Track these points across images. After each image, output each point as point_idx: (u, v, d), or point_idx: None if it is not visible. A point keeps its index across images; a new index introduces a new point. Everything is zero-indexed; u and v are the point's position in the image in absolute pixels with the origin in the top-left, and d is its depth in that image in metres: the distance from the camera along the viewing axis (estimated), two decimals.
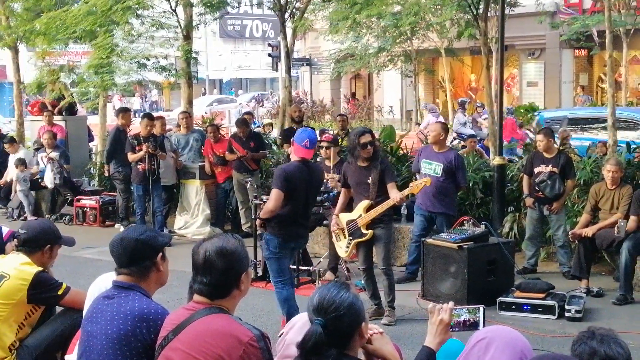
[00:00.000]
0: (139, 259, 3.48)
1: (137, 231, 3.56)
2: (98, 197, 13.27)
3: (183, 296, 3.47)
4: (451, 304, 3.40)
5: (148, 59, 14.50)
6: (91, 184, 14.37)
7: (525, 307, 7.79)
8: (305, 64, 32.81)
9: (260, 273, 9.26)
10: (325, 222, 9.39)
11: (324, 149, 9.24)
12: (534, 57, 30.04)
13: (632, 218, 8.25)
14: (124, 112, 13.27)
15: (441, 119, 22.16)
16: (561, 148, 10.28)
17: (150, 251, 3.50)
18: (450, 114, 25.88)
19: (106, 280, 3.75)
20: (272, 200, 6.73)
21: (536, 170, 9.41)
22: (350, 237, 7.65)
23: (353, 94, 35.95)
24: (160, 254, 3.52)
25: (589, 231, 8.51)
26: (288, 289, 7.00)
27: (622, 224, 8.18)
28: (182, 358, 3.06)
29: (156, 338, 3.26)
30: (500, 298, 7.87)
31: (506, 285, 8.21)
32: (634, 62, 28.89)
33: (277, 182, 6.73)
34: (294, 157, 6.96)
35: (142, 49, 14.47)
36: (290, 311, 6.78)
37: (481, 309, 3.34)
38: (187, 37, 14.42)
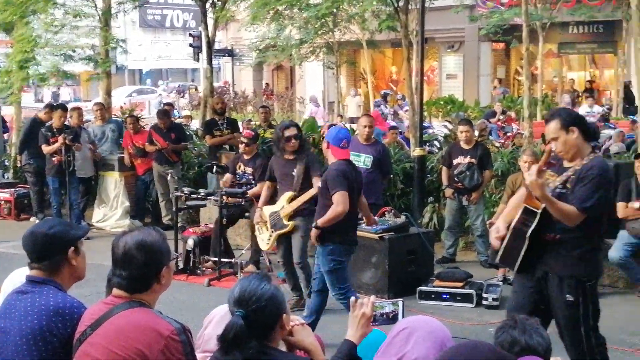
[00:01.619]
0: (50, 254, 3.39)
1: (47, 225, 3.47)
2: (13, 189, 12.93)
3: (102, 290, 3.40)
4: (373, 297, 3.42)
5: (74, 51, 14.20)
6: (6, 177, 13.99)
7: (444, 296, 7.94)
8: (227, 55, 32.57)
9: (181, 266, 9.18)
10: (247, 214, 9.36)
11: (243, 145, 9.21)
12: (453, 50, 30.54)
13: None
14: (54, 109, 12.65)
15: (322, 109, 22.25)
16: (479, 139, 10.48)
17: (61, 245, 3.41)
18: (372, 106, 26.05)
19: (20, 275, 3.65)
20: (341, 203, 6.27)
21: (455, 161, 9.58)
22: (272, 229, 7.64)
23: (267, 85, 35.88)
24: (73, 247, 3.43)
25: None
26: (355, 294, 6.58)
27: None
28: (101, 353, 3.01)
29: (73, 332, 3.19)
30: (420, 287, 8.00)
31: (426, 274, 8.35)
32: (549, 55, 29.66)
33: (338, 183, 6.30)
34: (331, 159, 6.54)
35: (66, 39, 14.17)
36: None
37: (400, 302, 3.38)
38: (106, 25, 14.14)
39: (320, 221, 6.44)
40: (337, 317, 7.42)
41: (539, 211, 4.76)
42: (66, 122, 11.64)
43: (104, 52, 14.27)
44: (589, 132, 4.96)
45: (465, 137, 9.53)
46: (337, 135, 6.55)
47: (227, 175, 9.34)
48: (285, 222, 7.50)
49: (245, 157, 9.25)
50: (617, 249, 8.08)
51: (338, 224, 6.36)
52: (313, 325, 6.44)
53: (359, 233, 8.21)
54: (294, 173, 7.48)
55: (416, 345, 2.85)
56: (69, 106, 13.09)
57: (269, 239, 7.71)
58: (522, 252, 4.87)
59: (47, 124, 11.69)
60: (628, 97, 23.50)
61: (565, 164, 4.96)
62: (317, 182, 7.36)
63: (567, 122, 4.85)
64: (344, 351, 3.27)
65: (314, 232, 6.51)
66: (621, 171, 8.67)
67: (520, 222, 4.86)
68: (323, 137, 12.72)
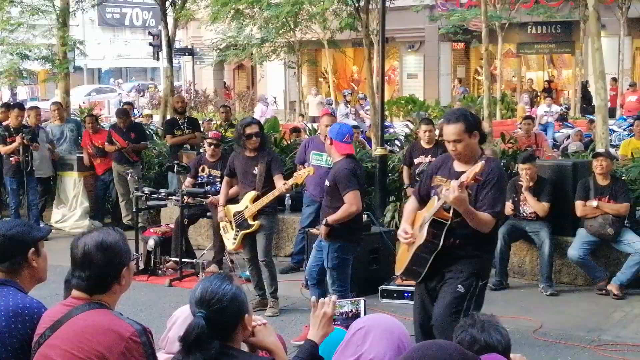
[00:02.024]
0: (10, 255, 3.33)
1: (7, 226, 3.41)
2: None
3: (60, 292, 3.36)
4: (334, 297, 3.43)
5: (30, 50, 13.99)
6: None
7: (406, 295, 7.95)
8: (187, 54, 32.35)
9: (142, 267, 9.10)
10: (208, 214, 9.31)
11: (212, 146, 9.17)
12: (414, 49, 30.71)
13: (507, 204, 8.53)
14: (11, 108, 12.33)
15: (271, 108, 22.25)
16: (439, 139, 10.52)
17: (21, 246, 3.35)
18: (333, 105, 26.10)
19: None
20: (355, 203, 6.31)
21: (416, 161, 9.63)
22: (238, 229, 7.61)
23: (224, 84, 35.79)
24: (33, 249, 3.38)
25: None
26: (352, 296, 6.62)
27: None
28: (60, 355, 2.97)
29: (33, 333, 3.14)
30: (382, 286, 8.02)
31: (388, 273, 8.37)
32: (508, 55, 29.99)
33: (351, 182, 6.32)
34: (335, 156, 6.54)
35: (22, 38, 13.98)
36: None
37: (362, 301, 3.38)
38: (64, 25, 13.97)
39: (330, 219, 6.42)
40: (299, 316, 7.43)
41: (448, 222, 4.83)
42: (24, 122, 11.46)
43: (62, 53, 14.08)
44: (484, 136, 5.07)
45: (428, 136, 9.59)
46: (339, 130, 6.55)
47: (188, 180, 9.30)
48: (250, 221, 7.48)
49: (210, 159, 9.21)
50: (576, 248, 8.18)
51: (348, 221, 6.40)
52: None
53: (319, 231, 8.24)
54: (255, 171, 7.46)
55: (372, 344, 2.85)
56: (27, 105, 12.90)
57: (235, 239, 7.68)
58: (429, 264, 4.95)
59: (3, 123, 11.51)
60: (585, 96, 23.86)
61: (457, 167, 4.99)
62: (278, 181, 7.34)
63: (472, 125, 4.90)
64: (305, 351, 3.27)
65: (323, 229, 6.49)
66: (579, 170, 8.79)
67: (430, 235, 4.88)
68: (284, 136, 12.75)
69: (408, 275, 5.29)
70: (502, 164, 9.68)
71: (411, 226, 5.13)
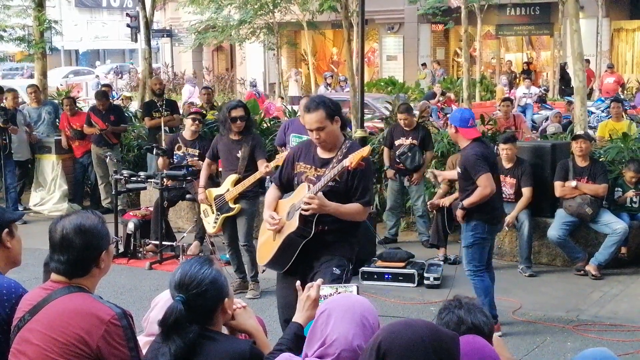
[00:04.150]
0: None
1: None
2: None
3: (39, 275, 3.34)
4: (319, 280, 3.43)
5: (4, 30, 13.80)
6: None
7: (386, 276, 8.00)
8: (165, 35, 32.12)
9: (121, 250, 9.06)
10: (188, 195, 9.26)
11: (197, 122, 9.09)
12: (393, 31, 30.66)
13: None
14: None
15: (197, 89, 22.05)
16: (420, 121, 10.54)
17: None
18: (313, 87, 26.06)
19: None
20: (488, 186, 6.24)
21: (397, 142, 9.64)
22: (218, 212, 7.58)
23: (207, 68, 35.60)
24: (6, 230, 3.35)
25: (446, 201, 8.79)
26: (488, 277, 6.58)
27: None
28: (40, 339, 2.95)
29: (12, 313, 3.12)
30: (363, 268, 8.04)
31: (368, 255, 8.39)
32: (487, 37, 30.03)
33: (481, 166, 6.25)
34: (463, 142, 6.44)
35: None
36: (493, 302, 6.50)
37: (354, 287, 3.38)
38: (40, 6, 13.81)
39: (466, 202, 6.39)
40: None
41: (317, 215, 4.74)
42: (1, 104, 11.34)
43: (38, 34, 13.93)
44: (344, 122, 5.02)
45: (404, 124, 9.60)
46: (462, 116, 6.48)
47: (162, 160, 9.16)
48: (231, 205, 7.45)
49: (188, 137, 9.12)
50: (555, 228, 8.24)
51: (483, 203, 6.34)
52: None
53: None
54: (238, 154, 7.42)
55: (335, 325, 2.85)
56: (4, 88, 12.75)
57: (215, 222, 7.65)
58: (296, 253, 4.86)
59: None
60: (564, 78, 23.90)
61: (320, 154, 4.92)
62: (261, 165, 7.31)
63: (332, 111, 4.84)
64: (290, 332, 3.30)
65: (459, 213, 6.46)
66: (558, 151, 8.84)
67: (302, 222, 4.78)
68: (265, 119, 12.69)
69: (274, 266, 5.12)
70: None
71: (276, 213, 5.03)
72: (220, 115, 7.81)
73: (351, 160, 4.60)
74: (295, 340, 3.23)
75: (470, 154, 6.35)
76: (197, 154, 8.93)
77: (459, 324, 3.00)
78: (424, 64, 28.83)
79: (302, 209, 4.71)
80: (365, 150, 4.63)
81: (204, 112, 11.78)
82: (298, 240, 4.84)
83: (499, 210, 6.66)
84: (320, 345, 2.85)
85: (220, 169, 8.06)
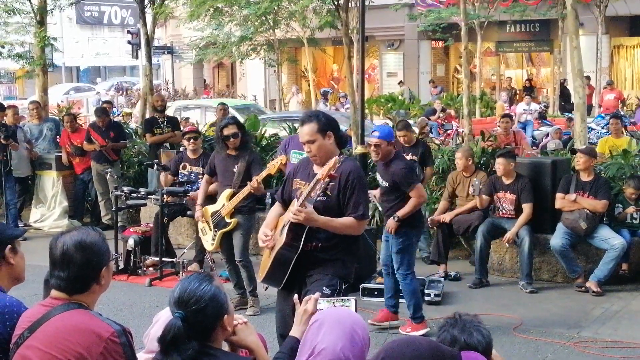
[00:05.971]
0: None
1: None
2: None
3: (39, 292, 3.33)
4: (317, 294, 3.44)
5: (3, 47, 13.83)
6: None
7: None
8: (166, 52, 32.21)
9: (121, 266, 9.05)
10: (188, 212, 9.26)
11: (191, 140, 9.09)
12: (394, 48, 30.75)
13: (484, 197, 8.57)
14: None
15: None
16: (420, 137, 10.55)
17: None
18: (313, 103, 26.11)
19: None
20: (422, 194, 6.94)
21: None
22: (216, 229, 7.57)
23: (204, 81, 35.71)
24: (10, 246, 3.35)
25: (446, 217, 8.81)
26: (416, 281, 7.07)
27: (477, 182, 8.51)
28: (39, 357, 2.94)
29: (12, 332, 3.11)
30: (363, 284, 8.03)
31: (369, 271, 8.38)
32: (487, 53, 30.09)
33: (413, 177, 6.88)
34: (390, 156, 6.95)
35: None
36: (419, 303, 6.99)
37: (352, 300, 3.38)
38: (42, 23, 13.85)
39: (400, 213, 6.81)
40: None
41: (307, 227, 4.72)
42: (2, 121, 11.36)
43: (39, 50, 13.97)
44: (341, 140, 5.00)
45: (403, 140, 9.61)
46: (390, 131, 7.07)
47: (169, 177, 9.21)
48: (227, 220, 7.44)
49: (191, 156, 9.14)
50: (558, 237, 8.22)
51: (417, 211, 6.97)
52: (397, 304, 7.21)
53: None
54: (234, 169, 7.42)
55: (325, 335, 2.89)
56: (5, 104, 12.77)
57: (213, 239, 7.64)
58: (289, 269, 4.81)
59: None
60: (564, 94, 23.96)
61: (316, 170, 4.86)
62: None
63: (325, 125, 4.83)
64: (288, 346, 3.31)
65: (393, 224, 6.86)
66: (558, 168, 8.85)
67: (290, 238, 4.75)
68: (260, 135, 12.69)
69: (270, 282, 5.09)
70: (481, 162, 9.74)
71: (273, 230, 4.99)
72: (215, 133, 7.83)
73: (322, 172, 4.57)
74: (292, 354, 3.23)
75: (399, 168, 6.78)
76: (200, 171, 8.94)
77: (453, 343, 2.98)
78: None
79: (291, 219, 4.69)
80: (331, 162, 4.56)
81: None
82: (288, 255, 4.78)
83: (421, 215, 7.35)
84: (310, 355, 2.87)
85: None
